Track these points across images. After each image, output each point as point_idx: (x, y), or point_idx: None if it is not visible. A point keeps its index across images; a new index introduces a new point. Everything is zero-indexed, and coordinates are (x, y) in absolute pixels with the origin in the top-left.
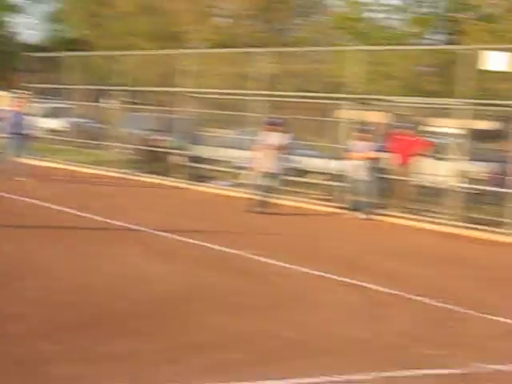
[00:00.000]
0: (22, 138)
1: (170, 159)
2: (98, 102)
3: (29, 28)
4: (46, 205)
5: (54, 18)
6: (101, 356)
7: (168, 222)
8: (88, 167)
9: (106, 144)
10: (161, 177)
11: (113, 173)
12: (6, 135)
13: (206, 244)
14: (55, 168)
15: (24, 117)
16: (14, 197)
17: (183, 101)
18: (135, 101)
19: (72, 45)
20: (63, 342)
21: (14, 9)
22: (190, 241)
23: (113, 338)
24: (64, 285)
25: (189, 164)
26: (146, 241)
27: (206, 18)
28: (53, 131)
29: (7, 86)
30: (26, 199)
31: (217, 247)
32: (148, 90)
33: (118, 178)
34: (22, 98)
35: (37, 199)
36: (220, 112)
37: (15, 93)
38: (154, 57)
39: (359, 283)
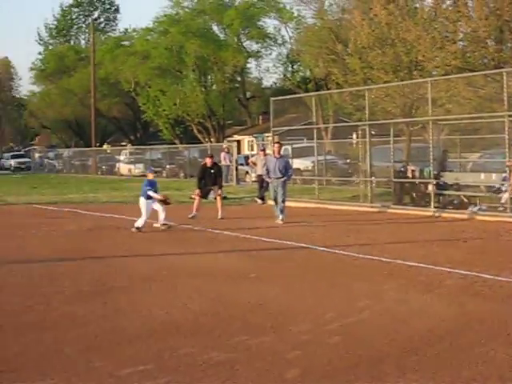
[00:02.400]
0: (280, 181)
1: (422, 189)
2: (343, 138)
3: (265, 71)
4: (300, 245)
5: (290, 59)
6: None
7: (426, 252)
8: (339, 204)
9: (355, 179)
10: (412, 207)
11: (363, 207)
12: (267, 179)
13: (472, 273)
14: (305, 207)
15: (280, 160)
16: (267, 239)
17: (427, 129)
18: (379, 133)
19: (309, 84)
20: (340, 382)
21: (252, 54)
22: (456, 271)
23: (391, 377)
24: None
25: (440, 192)
26: (406, 274)
27: (444, 44)
28: (301, 171)
29: (248, 130)
30: (280, 241)
31: (486, 276)
32: (397, 121)
33: (370, 212)
34: (275, 142)
35: (289, 240)
36: (466, 137)
37: (257, 137)
38: (396, 88)
39: None
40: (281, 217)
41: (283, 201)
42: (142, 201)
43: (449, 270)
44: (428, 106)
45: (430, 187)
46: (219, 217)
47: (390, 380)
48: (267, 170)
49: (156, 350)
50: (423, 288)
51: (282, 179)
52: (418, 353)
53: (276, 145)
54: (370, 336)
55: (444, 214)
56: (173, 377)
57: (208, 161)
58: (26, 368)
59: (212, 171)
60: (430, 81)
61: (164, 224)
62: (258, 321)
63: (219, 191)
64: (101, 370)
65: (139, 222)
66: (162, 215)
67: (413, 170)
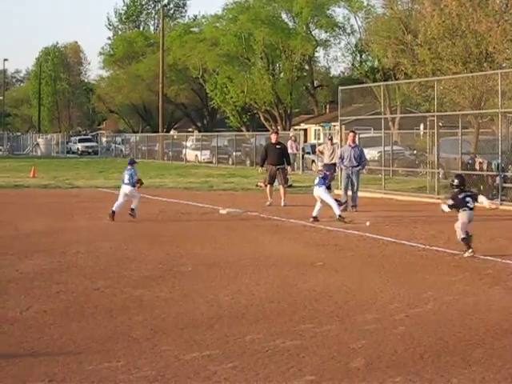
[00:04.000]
0: (355, 170)
1: (490, 181)
2: (409, 128)
3: (334, 60)
4: (366, 235)
5: (358, 48)
6: None
7: (493, 245)
8: (405, 195)
9: (421, 170)
10: None
11: (429, 199)
12: (342, 166)
13: None
14: (371, 198)
15: (355, 149)
16: (332, 228)
17: (496, 121)
18: (447, 125)
19: (378, 73)
20: (407, 374)
21: (320, 43)
22: None
23: (456, 369)
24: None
25: (507, 185)
26: (473, 266)
27: None
28: (368, 161)
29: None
30: (347, 231)
31: None
32: (465, 113)
33: (436, 203)
34: (351, 130)
35: (356, 230)
36: None
37: (324, 126)
38: (466, 79)
39: None
40: (351, 207)
41: (357, 190)
42: (320, 191)
43: None
44: (497, 98)
45: (498, 180)
46: (282, 204)
47: (455, 371)
48: (341, 157)
49: (222, 335)
50: (490, 280)
51: (357, 168)
52: (483, 345)
53: (351, 133)
54: (436, 327)
55: (510, 207)
56: (238, 362)
57: (273, 137)
58: (93, 350)
59: (278, 147)
60: (500, 73)
61: (314, 218)
62: (323, 309)
63: (284, 176)
64: (167, 354)
65: (336, 211)
66: (317, 208)
67: (480, 163)
